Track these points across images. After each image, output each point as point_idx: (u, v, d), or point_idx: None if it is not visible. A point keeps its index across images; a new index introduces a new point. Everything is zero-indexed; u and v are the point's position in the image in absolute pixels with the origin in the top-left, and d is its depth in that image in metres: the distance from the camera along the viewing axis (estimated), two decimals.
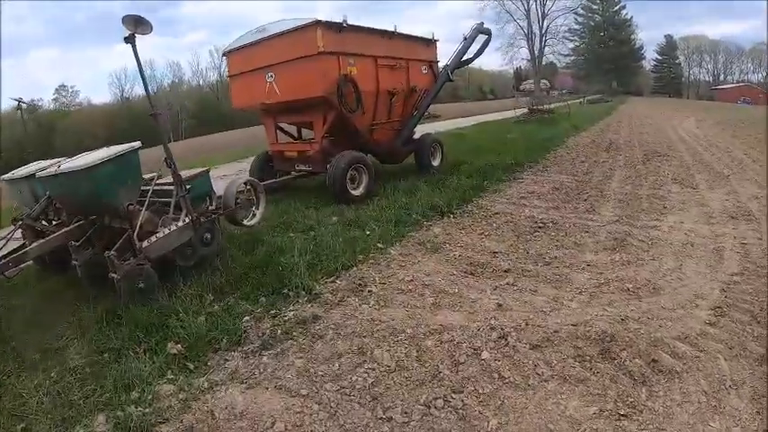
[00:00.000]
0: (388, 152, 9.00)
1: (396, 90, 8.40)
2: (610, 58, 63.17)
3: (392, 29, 8.23)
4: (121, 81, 67.54)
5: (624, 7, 65.47)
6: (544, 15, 49.78)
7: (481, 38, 10.23)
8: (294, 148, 8.41)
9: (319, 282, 4.31)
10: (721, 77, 77.20)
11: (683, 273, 4.39)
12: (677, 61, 76.55)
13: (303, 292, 4.08)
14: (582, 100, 32.03)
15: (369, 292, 4.07)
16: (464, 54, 9.95)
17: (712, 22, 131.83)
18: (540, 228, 5.82)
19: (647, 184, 8.43)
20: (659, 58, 75.83)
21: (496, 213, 6.40)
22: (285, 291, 4.12)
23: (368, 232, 5.67)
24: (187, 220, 4.23)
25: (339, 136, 8.22)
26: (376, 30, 8.00)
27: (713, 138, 15.50)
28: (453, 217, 6.33)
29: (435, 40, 9.47)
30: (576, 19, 62.34)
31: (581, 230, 5.76)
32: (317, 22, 6.87)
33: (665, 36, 77.15)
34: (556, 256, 4.94)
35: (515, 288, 4.19)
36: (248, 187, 5.60)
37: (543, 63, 53.51)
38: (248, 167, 9.20)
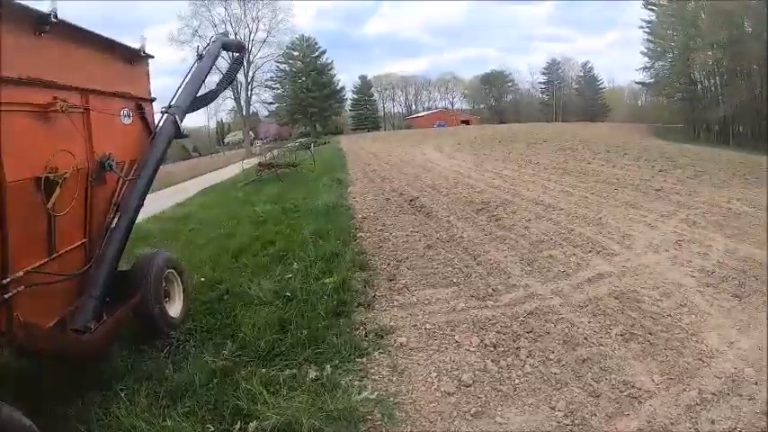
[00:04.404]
0: (64, 348, 3.78)
1: (59, 172, 3.45)
2: (313, 102, 69.80)
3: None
4: None
5: (324, 52, 73.87)
6: (249, 63, 53.65)
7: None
8: None
9: None
10: (413, 108, 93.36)
11: None
12: (372, 98, 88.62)
13: None
14: (296, 144, 31.75)
15: None
16: (201, 83, 5.79)
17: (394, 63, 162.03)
18: None
19: (567, 266, 5.90)
20: (356, 97, 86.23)
21: None
22: None
23: None
24: None
25: None
26: None
27: (493, 169, 16.15)
28: None
29: (146, 55, 5.11)
30: (278, 66, 68.01)
31: None
32: None
33: (360, 76, 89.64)
34: None
35: None
36: None
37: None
38: None
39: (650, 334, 4.18)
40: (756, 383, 3.46)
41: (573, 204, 9.63)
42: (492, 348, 4.03)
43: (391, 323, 4.64)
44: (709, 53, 40.42)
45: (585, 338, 4.11)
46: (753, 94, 36.79)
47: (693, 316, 4.54)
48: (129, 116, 4.94)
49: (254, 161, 21.37)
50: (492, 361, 3.84)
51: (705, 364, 3.75)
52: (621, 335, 4.16)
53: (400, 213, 9.80)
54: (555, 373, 3.64)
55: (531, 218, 8.53)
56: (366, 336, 4.42)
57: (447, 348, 4.11)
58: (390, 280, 5.85)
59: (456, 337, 4.26)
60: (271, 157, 20.42)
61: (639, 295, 5.00)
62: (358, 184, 15.05)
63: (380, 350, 4.15)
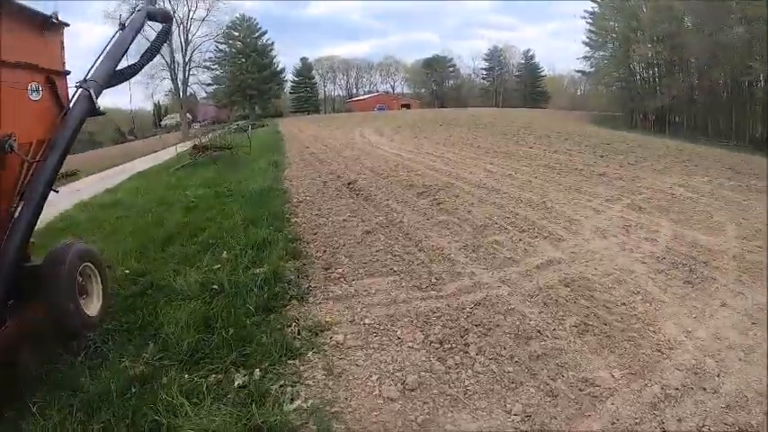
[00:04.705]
0: None
1: None
2: (252, 84, 67.84)
3: None
4: None
5: (265, 33, 71.50)
6: (187, 43, 51.71)
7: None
8: None
9: None
10: (354, 91, 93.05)
11: None
12: (313, 81, 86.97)
13: None
14: (234, 126, 30.78)
15: None
16: (123, 56, 5.23)
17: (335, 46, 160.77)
18: None
19: (514, 252, 5.55)
20: (296, 79, 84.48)
21: None
22: None
23: None
24: None
25: None
26: None
27: (435, 152, 15.93)
28: None
29: (60, 22, 4.57)
30: (217, 47, 65.25)
31: None
32: None
33: (301, 59, 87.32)
34: None
35: None
36: None
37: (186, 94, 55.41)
38: None
39: (605, 324, 3.97)
40: (719, 376, 3.29)
41: (516, 188, 9.53)
42: (438, 345, 3.67)
43: (327, 318, 4.19)
44: (649, 45, 42.05)
45: (539, 331, 3.83)
46: (689, 86, 38.67)
47: (648, 304, 4.39)
48: (37, 91, 4.37)
49: (191, 144, 20.46)
50: (438, 360, 3.49)
51: (665, 356, 3.56)
52: (576, 326, 3.91)
53: (338, 197, 9.34)
54: (508, 372, 3.33)
55: (474, 202, 8.31)
56: (299, 334, 3.96)
57: (388, 346, 3.71)
58: (326, 269, 5.40)
59: (398, 333, 3.88)
60: (207, 140, 19.56)
61: (591, 283, 4.81)
62: (295, 167, 14.45)
63: (315, 350, 3.71)
